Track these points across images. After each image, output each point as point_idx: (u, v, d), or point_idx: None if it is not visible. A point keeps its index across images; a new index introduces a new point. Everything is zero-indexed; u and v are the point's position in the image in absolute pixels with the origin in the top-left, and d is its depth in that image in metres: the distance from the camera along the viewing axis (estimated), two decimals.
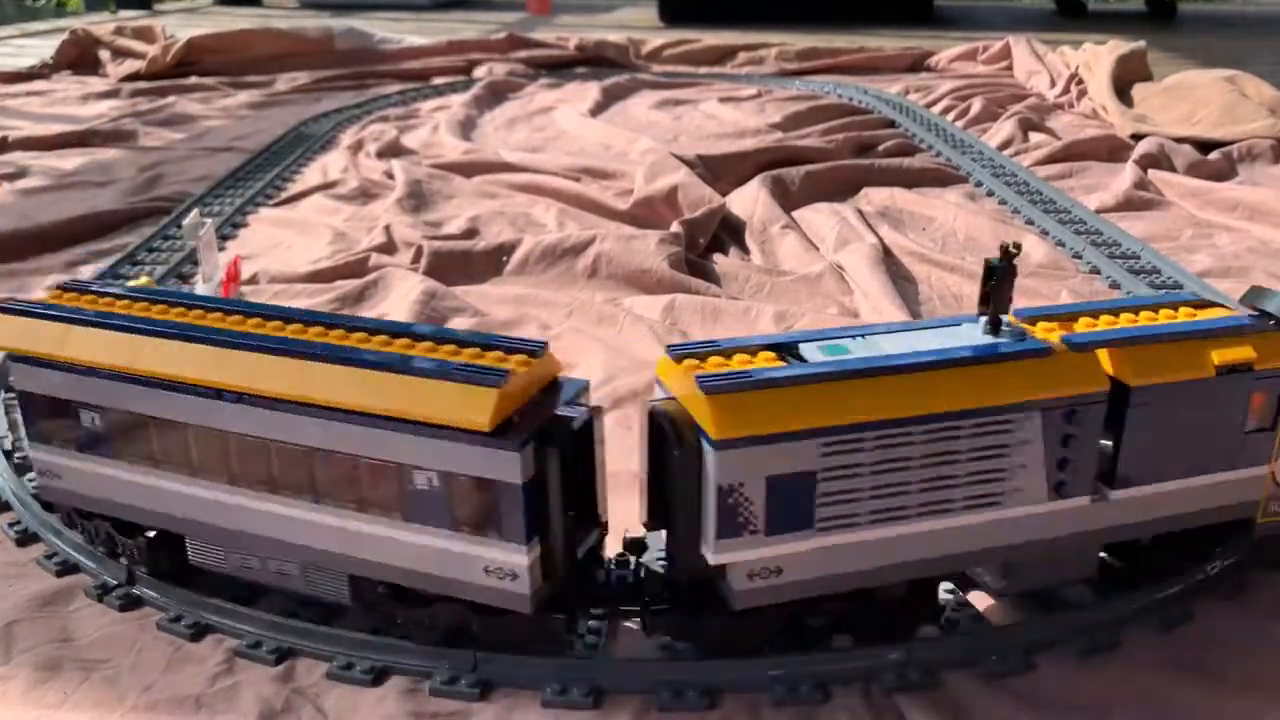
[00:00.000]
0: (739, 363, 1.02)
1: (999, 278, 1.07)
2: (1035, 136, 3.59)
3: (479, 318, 2.11)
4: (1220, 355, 1.09)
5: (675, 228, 2.49)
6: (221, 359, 1.05)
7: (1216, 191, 2.85)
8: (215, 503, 1.10)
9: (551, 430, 0.99)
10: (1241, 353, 1.09)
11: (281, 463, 1.05)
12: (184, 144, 3.57)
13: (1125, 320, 1.11)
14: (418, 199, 2.85)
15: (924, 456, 1.02)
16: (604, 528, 1.11)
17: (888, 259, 2.45)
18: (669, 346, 1.04)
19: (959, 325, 1.10)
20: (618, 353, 1.96)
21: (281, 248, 2.57)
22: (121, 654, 1.14)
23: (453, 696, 1.05)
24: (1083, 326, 1.10)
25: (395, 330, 1.08)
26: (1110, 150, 3.35)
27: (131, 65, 4.85)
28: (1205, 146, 3.34)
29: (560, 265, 2.36)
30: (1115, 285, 2.34)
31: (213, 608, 1.17)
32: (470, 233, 2.59)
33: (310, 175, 3.16)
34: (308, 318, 1.10)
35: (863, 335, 1.08)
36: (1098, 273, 2.42)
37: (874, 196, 2.96)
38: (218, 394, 1.06)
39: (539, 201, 2.86)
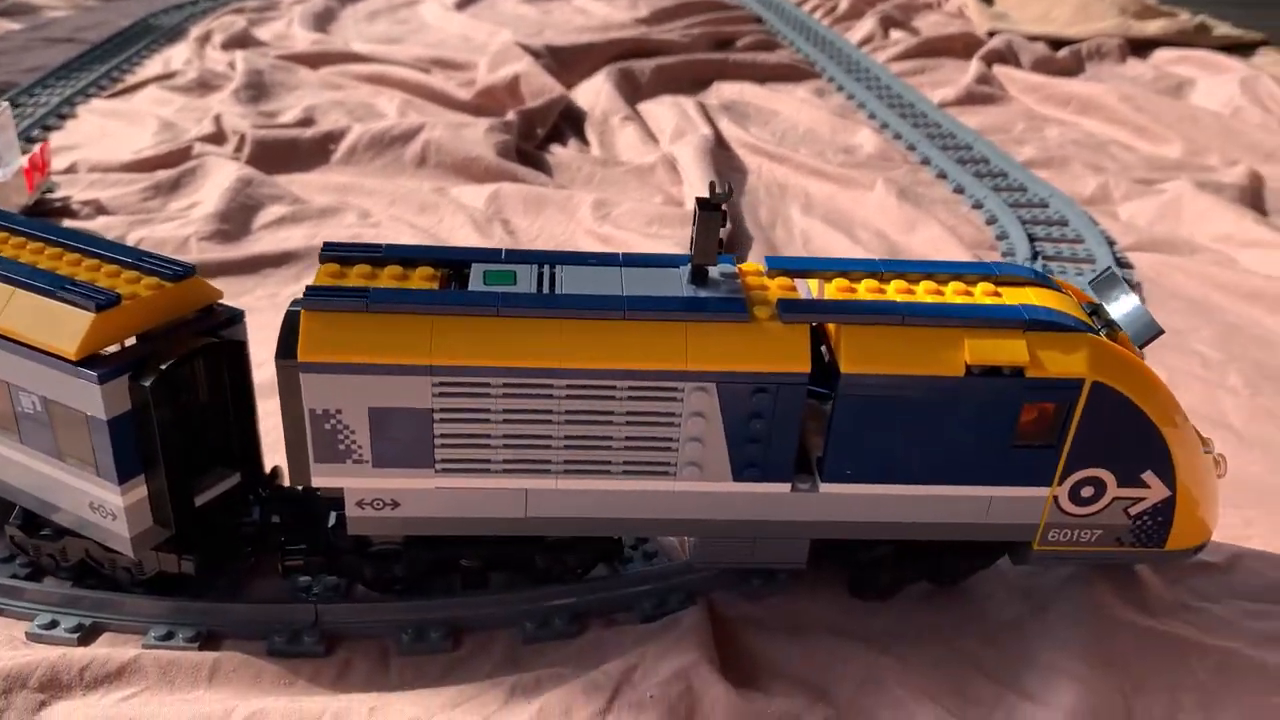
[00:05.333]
0: (385, 278, 0.95)
1: (703, 222, 0.94)
2: (895, 34, 3.60)
3: (296, 205, 2.08)
4: (975, 353, 0.95)
5: (510, 116, 2.47)
6: None
7: (1054, 86, 2.90)
8: None
9: (152, 364, 0.92)
10: (1005, 353, 0.94)
11: None
12: (22, 34, 3.42)
13: (894, 290, 0.99)
14: (257, 90, 2.78)
15: (570, 413, 0.94)
16: (254, 468, 1.06)
17: (723, 151, 2.46)
18: (325, 245, 0.98)
19: (678, 268, 1.00)
20: (434, 241, 1.96)
21: (108, 138, 2.49)
22: None
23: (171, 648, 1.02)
24: (833, 290, 0.98)
25: (79, 244, 1.01)
26: (966, 47, 3.38)
27: None
28: (1058, 44, 3.39)
29: (389, 154, 2.33)
30: (942, 175, 2.39)
31: None
32: (304, 122, 2.53)
33: (150, 67, 3.06)
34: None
35: (554, 265, 0.99)
36: (928, 163, 2.47)
37: (724, 91, 2.97)
38: None
39: (383, 93, 2.80)
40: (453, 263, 1.00)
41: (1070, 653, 1.04)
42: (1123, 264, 1.95)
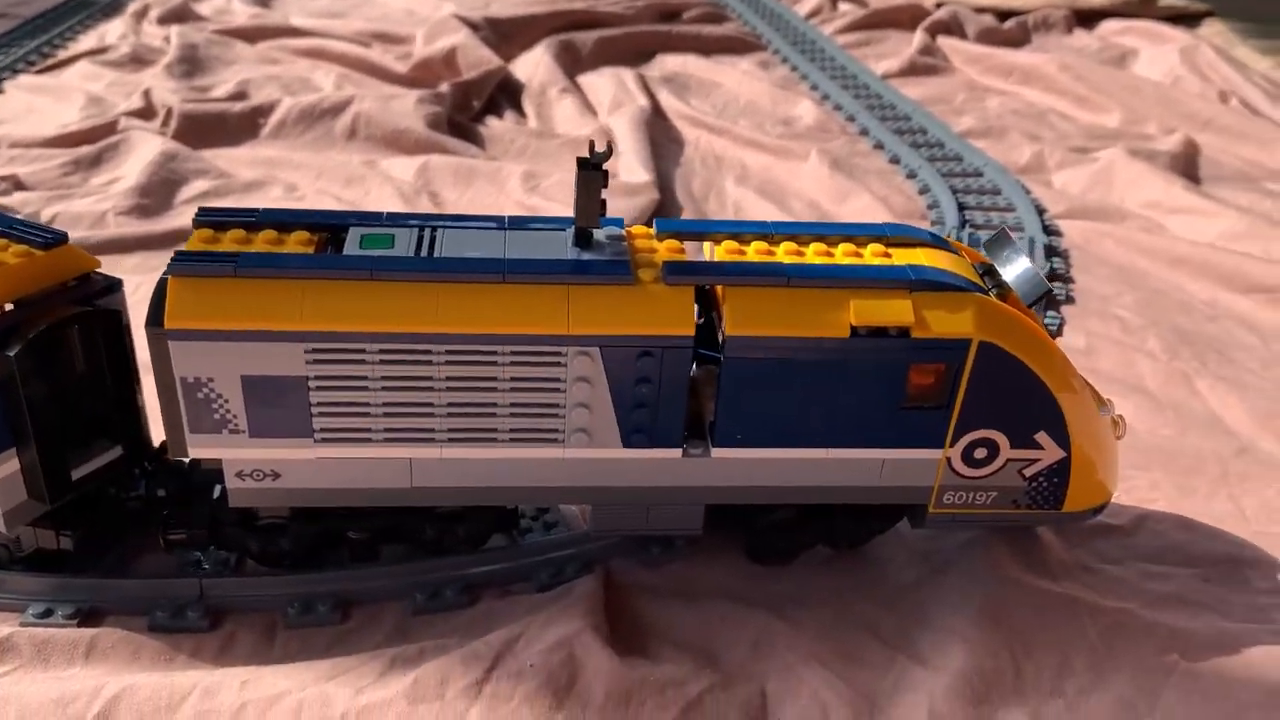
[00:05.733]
0: (260, 243, 0.92)
1: (583, 182, 0.91)
2: (844, 6, 3.58)
3: (221, 179, 2.05)
4: (860, 313, 0.94)
5: (443, 88, 2.44)
6: None
7: (997, 57, 2.89)
8: None
9: (20, 332, 0.90)
10: (890, 314, 0.93)
11: None
12: None
13: (784, 252, 0.97)
14: (191, 65, 2.73)
15: (451, 379, 0.92)
16: (137, 441, 1.04)
17: (661, 122, 2.44)
18: (200, 210, 0.96)
19: (564, 231, 0.97)
20: None
21: (34, 114, 2.44)
22: None
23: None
24: (722, 253, 0.97)
25: None
26: (913, 19, 3.36)
27: None
28: (1005, 15, 3.38)
29: (319, 127, 2.30)
30: (879, 145, 2.38)
31: None
32: (236, 97, 2.49)
33: (84, 42, 3.00)
34: None
35: (436, 227, 0.97)
36: (866, 134, 2.45)
37: (667, 63, 2.94)
38: None
39: (321, 67, 2.76)
40: (331, 226, 0.98)
41: (963, 615, 1.03)
42: (1051, 231, 1.94)
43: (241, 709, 0.88)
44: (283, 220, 0.97)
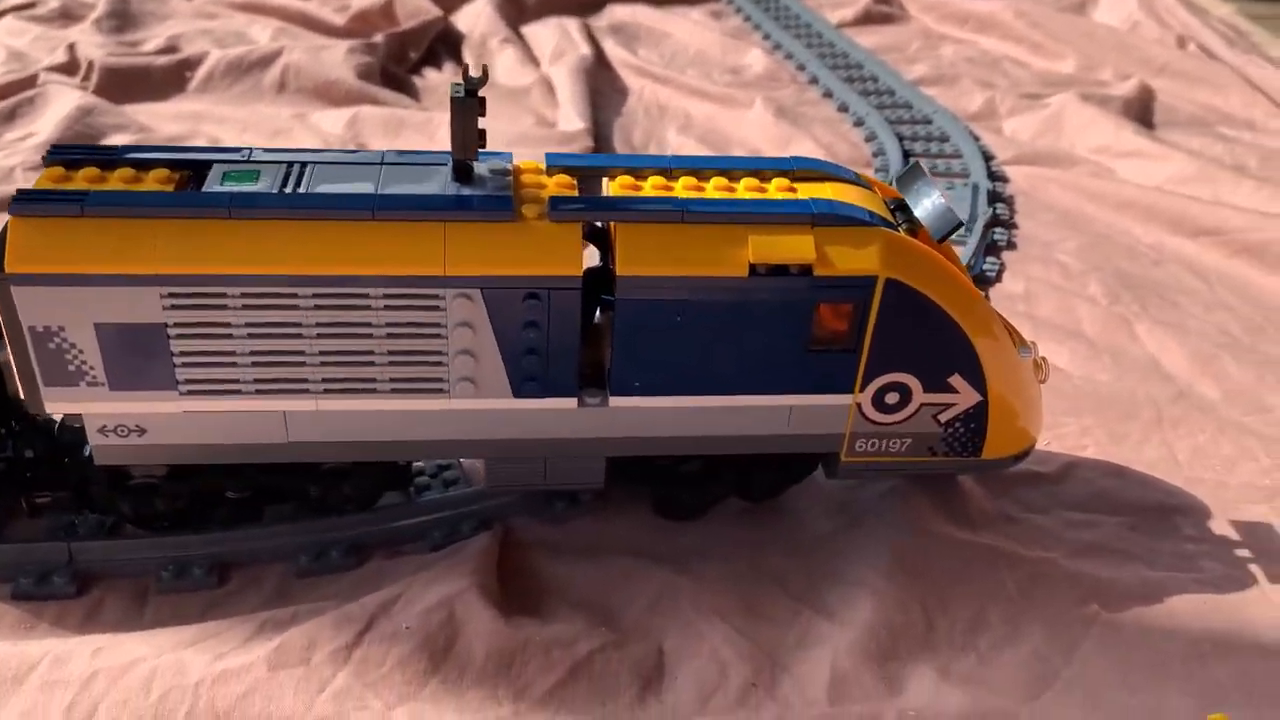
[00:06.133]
0: (115, 181, 0.85)
1: (457, 111, 0.85)
2: None
3: (141, 134, 1.96)
4: (759, 250, 0.88)
5: (376, 38, 2.36)
6: None
7: (952, 4, 2.82)
8: None
9: None
10: (790, 251, 0.87)
11: None
12: None
13: (682, 186, 0.91)
14: (121, 19, 2.63)
15: (322, 325, 0.86)
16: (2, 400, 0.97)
17: (605, 72, 2.37)
18: (51, 148, 0.89)
19: (445, 165, 0.91)
20: None
21: None
22: None
23: None
24: (616, 188, 0.91)
25: None
26: None
27: None
28: None
29: (247, 80, 2.21)
30: (829, 94, 2.31)
31: None
32: (165, 50, 2.40)
33: None
34: None
35: (307, 164, 0.90)
36: (815, 82, 2.39)
37: (616, 12, 2.85)
38: None
39: (258, 20, 2.67)
40: (194, 164, 0.91)
41: (875, 567, 0.99)
42: (997, 177, 1.89)
43: (92, 678, 0.83)
44: (141, 158, 0.90)
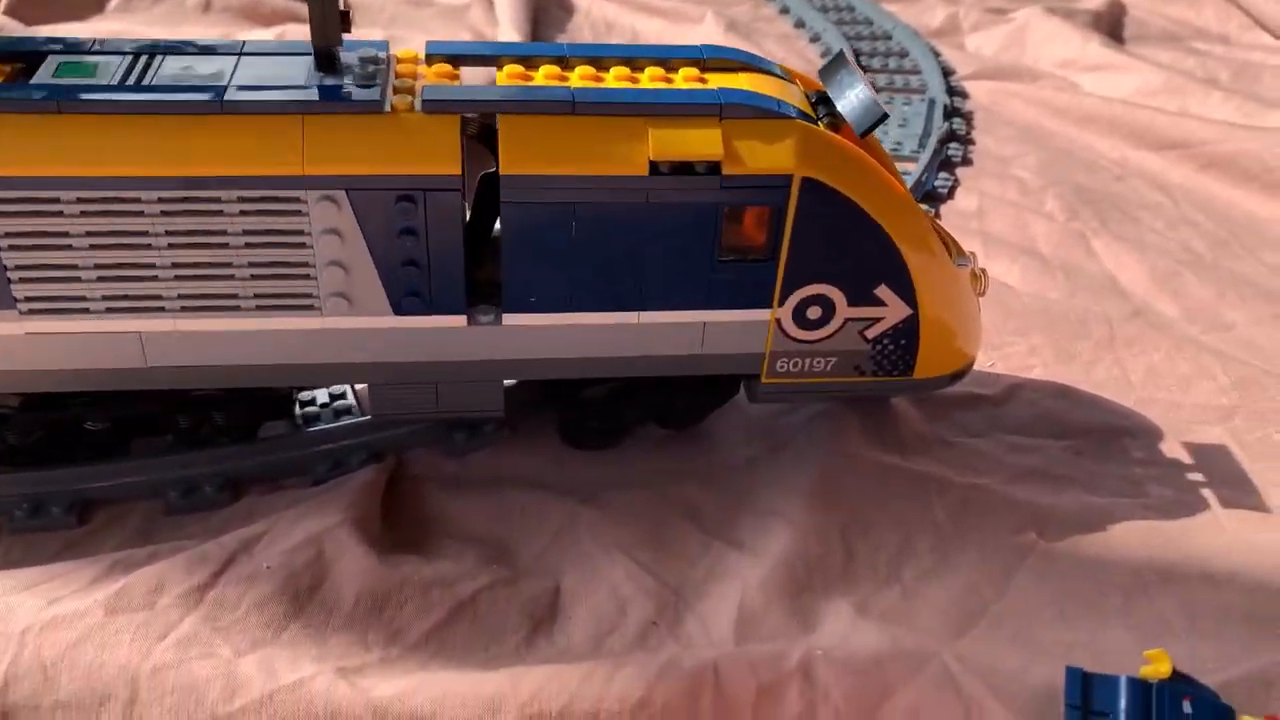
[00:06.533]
0: None
1: None
2: None
3: None
4: (660, 146, 0.78)
5: None
6: None
7: None
8: None
9: None
10: (695, 146, 0.78)
11: None
12: None
13: (579, 77, 0.82)
14: None
15: (173, 234, 0.77)
16: None
17: None
18: None
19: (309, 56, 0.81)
20: None
21: None
22: None
23: None
24: (508, 78, 0.82)
25: None
26: None
27: None
28: None
29: (170, 0, 2.10)
30: (785, 10, 2.20)
31: None
32: None
33: None
34: None
35: (155, 55, 0.80)
36: None
37: None
38: None
39: None
40: (27, 54, 0.81)
41: (794, 496, 0.91)
42: (956, 93, 1.79)
43: None
44: None
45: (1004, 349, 1.14)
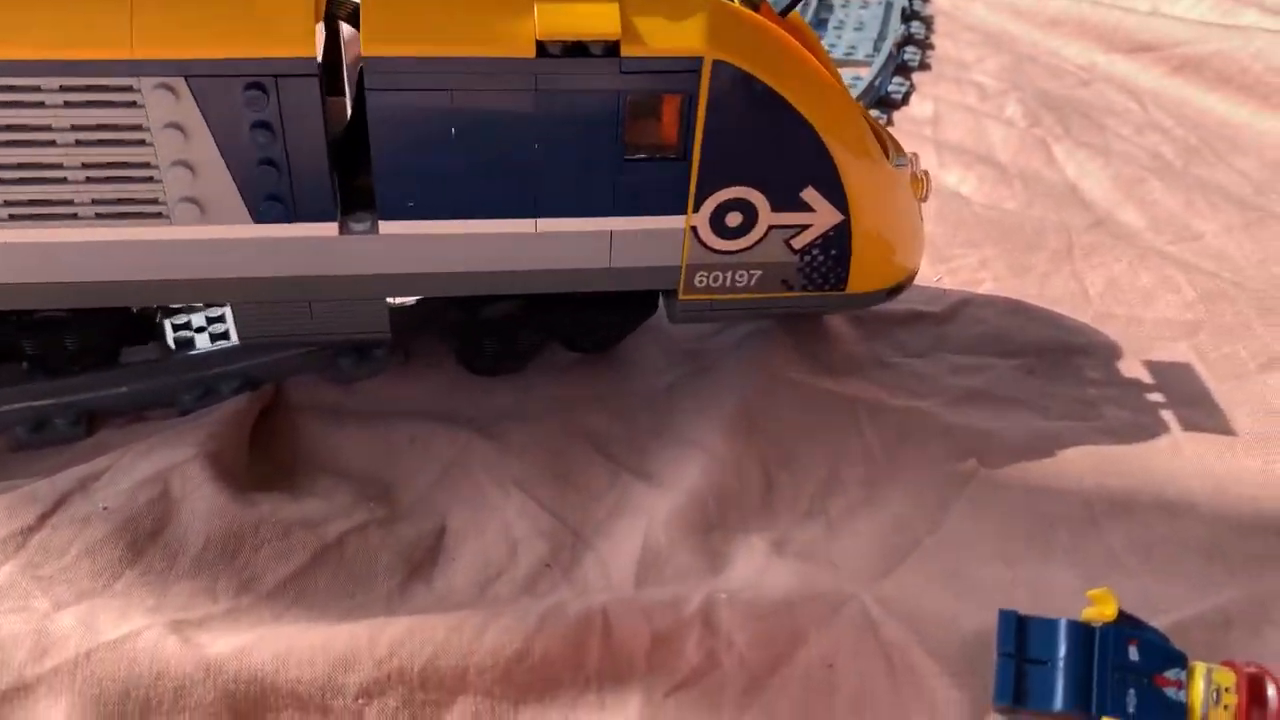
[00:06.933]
0: None
1: None
2: None
3: None
4: (548, 23, 0.68)
5: None
6: None
7: None
8: None
9: None
10: (588, 22, 0.69)
11: None
12: None
13: None
14: None
15: None
16: None
17: None
18: None
19: None
20: None
21: None
22: None
23: None
24: None
25: None
26: None
27: None
28: None
29: None
30: None
31: None
32: None
33: None
34: None
35: None
36: None
37: None
38: None
39: None
40: None
41: (712, 424, 0.82)
42: None
43: None
44: None
45: (952, 262, 1.05)
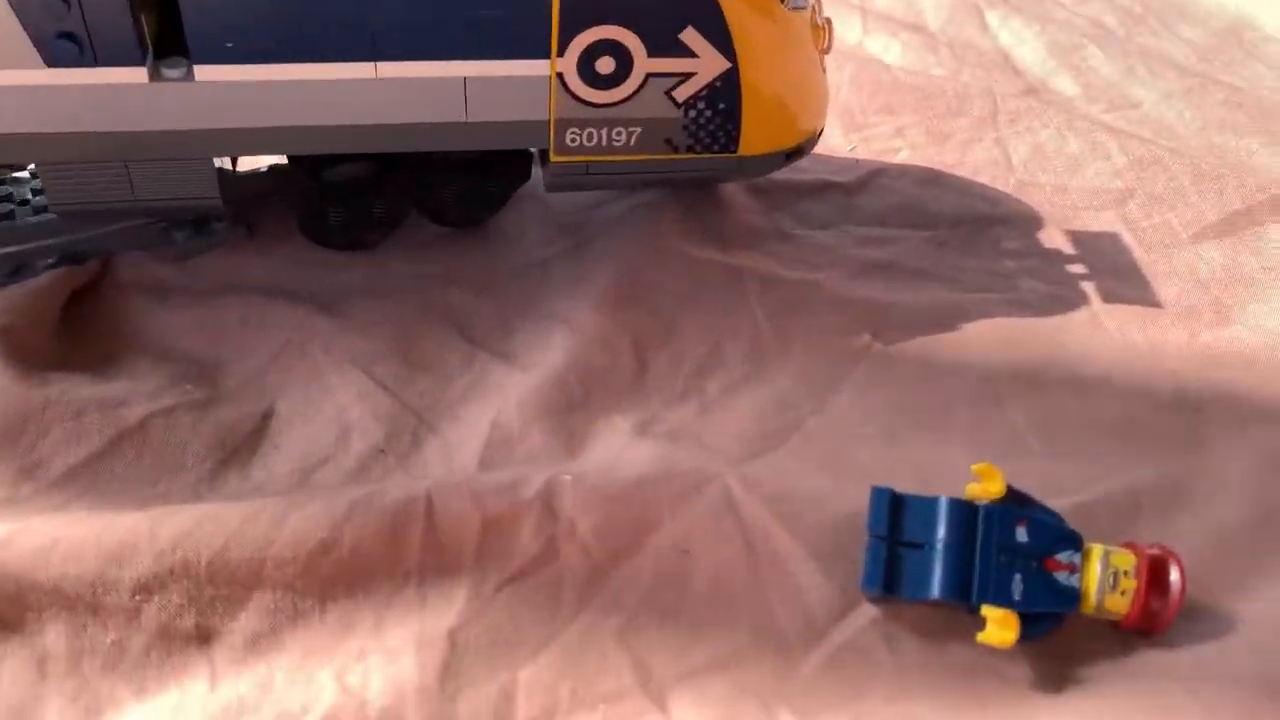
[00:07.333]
0: None
1: None
2: None
3: None
4: None
5: None
6: None
7: None
8: None
9: None
10: None
11: None
12: None
13: None
14: None
15: None
16: None
17: None
18: None
19: None
20: None
21: None
22: None
23: None
24: None
25: None
26: None
27: None
28: None
29: None
30: None
31: None
32: None
33: None
34: None
35: None
36: None
37: None
38: None
39: None
40: None
41: (583, 298, 0.74)
42: None
43: None
44: None
45: (866, 130, 0.96)
